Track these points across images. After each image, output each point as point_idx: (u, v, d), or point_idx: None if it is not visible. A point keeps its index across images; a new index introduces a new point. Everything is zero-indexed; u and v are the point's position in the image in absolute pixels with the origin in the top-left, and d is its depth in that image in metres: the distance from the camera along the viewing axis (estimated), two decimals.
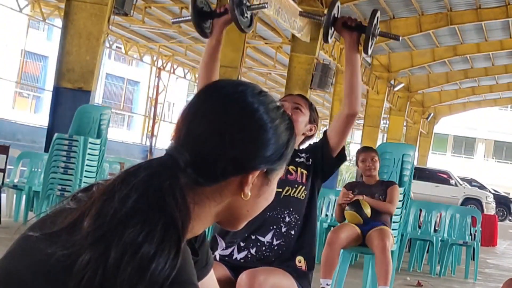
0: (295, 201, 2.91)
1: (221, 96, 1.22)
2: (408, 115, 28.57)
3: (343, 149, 2.97)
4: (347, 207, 5.46)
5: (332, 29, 2.85)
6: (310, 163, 2.98)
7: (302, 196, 2.93)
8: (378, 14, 2.86)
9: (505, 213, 27.93)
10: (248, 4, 2.76)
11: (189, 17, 2.79)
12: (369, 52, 2.83)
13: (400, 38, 3.12)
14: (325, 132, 2.99)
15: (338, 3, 2.89)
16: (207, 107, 1.21)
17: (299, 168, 2.96)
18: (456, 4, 18.01)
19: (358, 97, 2.86)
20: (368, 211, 5.38)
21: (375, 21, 2.79)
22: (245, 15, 2.74)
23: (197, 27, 2.78)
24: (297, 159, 2.98)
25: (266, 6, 3.04)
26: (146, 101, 26.65)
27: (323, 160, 2.95)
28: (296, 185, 2.93)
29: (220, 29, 2.78)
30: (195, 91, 3.07)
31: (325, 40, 2.89)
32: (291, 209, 2.89)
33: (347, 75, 2.85)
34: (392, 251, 5.33)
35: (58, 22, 20.47)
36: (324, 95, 26.04)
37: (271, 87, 26.83)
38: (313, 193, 2.97)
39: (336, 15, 2.85)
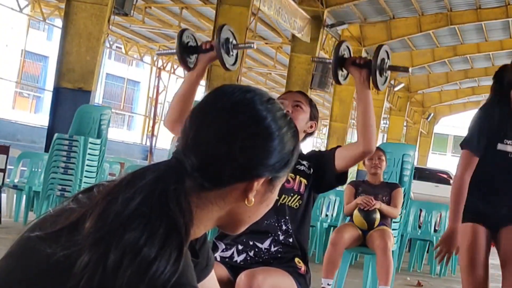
0: (290, 210, 2.91)
1: (230, 102, 1.22)
2: (408, 115, 28.58)
3: (346, 172, 2.93)
4: (358, 211, 5.41)
5: (343, 70, 2.85)
6: (311, 172, 2.95)
7: (296, 206, 2.92)
8: (386, 48, 2.82)
9: None
10: (234, 42, 2.77)
11: (174, 51, 2.81)
12: (381, 88, 2.80)
13: (410, 70, 3.11)
14: (334, 150, 2.91)
15: (346, 43, 2.88)
16: (215, 112, 1.22)
17: (298, 176, 2.94)
18: (456, 4, 18.01)
19: (373, 135, 2.79)
20: (377, 218, 5.37)
21: (380, 56, 2.76)
22: (231, 53, 2.75)
23: (181, 61, 2.78)
24: (297, 166, 2.94)
25: (253, 46, 3.07)
26: (146, 101, 26.65)
27: (324, 174, 2.91)
28: (292, 194, 2.92)
29: (204, 65, 2.77)
30: (163, 122, 3.00)
31: (336, 81, 2.88)
32: (286, 218, 2.89)
33: (359, 112, 2.80)
34: (392, 251, 5.34)
35: (58, 22, 20.47)
36: (324, 95, 26.03)
37: (271, 87, 26.83)
38: (308, 203, 2.95)
39: (345, 56, 2.84)
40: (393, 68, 2.91)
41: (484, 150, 3.35)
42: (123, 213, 1.09)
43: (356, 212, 5.42)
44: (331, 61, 2.88)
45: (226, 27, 2.76)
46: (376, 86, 2.77)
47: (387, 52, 2.81)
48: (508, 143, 3.36)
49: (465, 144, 3.39)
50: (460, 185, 3.37)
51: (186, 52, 2.78)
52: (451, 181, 3.48)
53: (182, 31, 2.81)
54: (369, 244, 5.33)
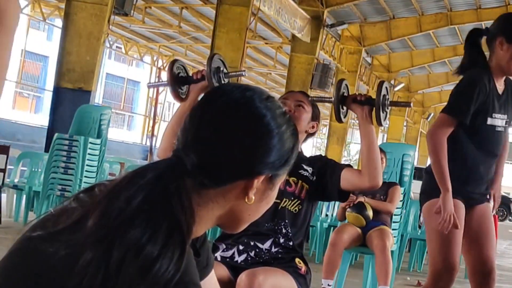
0: (289, 214, 2.91)
1: (229, 100, 1.23)
2: (408, 115, 28.58)
3: (349, 191, 2.92)
4: (349, 209, 5.45)
5: (344, 108, 2.87)
6: (314, 178, 2.95)
7: (295, 210, 2.92)
8: (386, 85, 2.85)
9: (505, 213, 27.92)
10: (225, 71, 2.78)
11: (165, 82, 2.81)
12: (383, 123, 2.82)
13: (412, 104, 3.17)
14: (341, 169, 2.89)
15: (345, 82, 2.92)
16: (215, 111, 1.22)
17: (300, 181, 2.93)
18: (456, 4, 18.02)
19: (379, 169, 2.78)
20: (370, 213, 5.39)
21: (383, 93, 2.79)
22: (222, 82, 2.76)
23: (172, 92, 2.78)
24: (300, 171, 2.94)
25: (244, 74, 3.09)
26: (146, 101, 26.66)
27: (327, 187, 2.90)
28: (292, 198, 2.92)
29: (196, 95, 2.77)
30: (156, 154, 3.01)
31: (338, 119, 2.91)
32: (286, 221, 2.89)
33: (364, 148, 2.80)
34: (392, 251, 5.33)
35: (58, 22, 20.47)
36: (324, 95, 26.02)
37: (271, 87, 26.84)
38: (307, 209, 2.95)
39: (345, 94, 2.87)
40: (395, 104, 2.94)
41: (474, 125, 3.33)
42: (126, 211, 1.09)
43: (347, 212, 5.45)
44: (329, 99, 2.92)
45: (216, 57, 2.79)
46: (378, 121, 2.78)
47: (387, 88, 2.85)
48: (496, 117, 3.37)
49: (450, 110, 3.34)
50: (442, 148, 3.32)
51: (177, 83, 2.79)
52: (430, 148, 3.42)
53: (172, 62, 2.82)
54: (368, 244, 5.33)
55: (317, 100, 3.21)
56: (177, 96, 2.79)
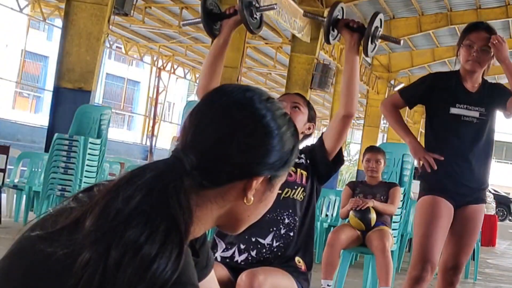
0: (294, 203, 2.91)
1: (229, 101, 1.23)
2: (408, 115, 28.56)
3: (340, 152, 2.94)
4: (352, 212, 5.38)
5: (335, 30, 2.86)
6: (308, 163, 2.98)
7: (301, 198, 2.93)
8: (381, 16, 2.84)
9: (505, 213, 27.94)
10: (257, 5, 2.78)
11: (199, 19, 2.82)
12: (370, 54, 2.82)
13: (402, 42, 3.17)
14: (321, 137, 2.97)
15: (342, 5, 2.91)
16: (214, 111, 1.22)
17: (298, 169, 2.96)
18: (456, 4, 18.02)
19: (355, 99, 2.83)
20: (373, 217, 5.34)
21: (375, 23, 2.79)
22: (254, 16, 2.76)
23: (206, 28, 2.80)
24: (296, 160, 2.96)
25: (275, 7, 3.09)
26: (146, 101, 26.66)
27: (320, 163, 2.94)
28: (295, 187, 2.93)
29: (229, 30, 2.79)
30: (196, 91, 3.08)
31: (326, 41, 2.91)
32: (290, 211, 2.90)
33: (345, 76, 2.83)
34: (392, 251, 5.33)
35: (58, 22, 20.48)
36: (324, 95, 26.01)
37: (271, 87, 26.83)
38: (311, 194, 2.96)
39: (338, 17, 2.86)
40: (385, 38, 2.94)
41: (438, 114, 3.81)
42: (124, 210, 1.09)
43: (351, 214, 5.38)
44: (323, 19, 2.91)
45: None
46: (365, 52, 2.80)
47: (381, 20, 2.84)
48: (461, 107, 3.74)
49: (403, 92, 4.03)
50: (391, 110, 3.94)
51: (211, 19, 2.79)
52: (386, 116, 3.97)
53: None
54: (368, 244, 5.31)
55: (311, 17, 3.23)
56: (211, 32, 2.81)
